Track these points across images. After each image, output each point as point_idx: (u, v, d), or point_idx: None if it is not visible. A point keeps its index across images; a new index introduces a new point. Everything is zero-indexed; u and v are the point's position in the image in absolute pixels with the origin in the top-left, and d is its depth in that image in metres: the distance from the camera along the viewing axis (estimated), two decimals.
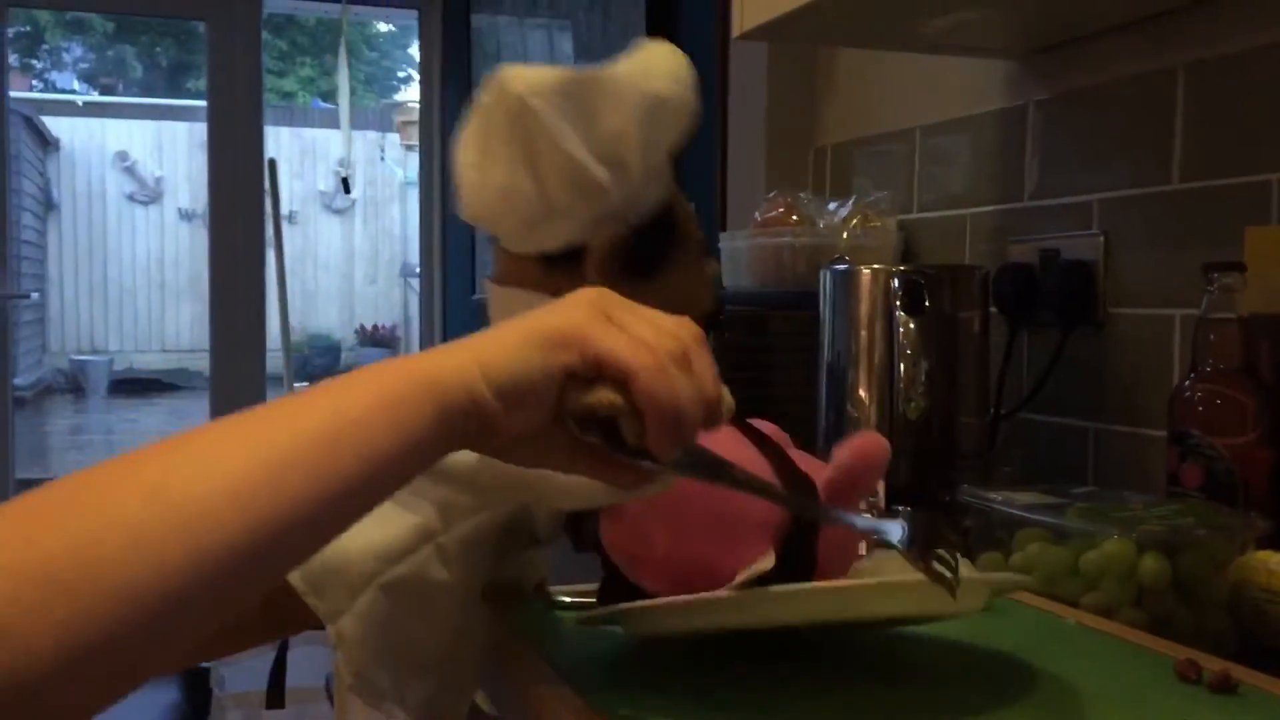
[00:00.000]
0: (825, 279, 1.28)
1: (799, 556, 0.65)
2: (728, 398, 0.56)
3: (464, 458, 0.55)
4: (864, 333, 1.24)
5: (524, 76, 0.74)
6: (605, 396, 0.52)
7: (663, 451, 0.53)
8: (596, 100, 0.75)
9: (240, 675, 2.37)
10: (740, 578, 0.62)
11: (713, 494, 0.61)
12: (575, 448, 0.55)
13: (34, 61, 11.31)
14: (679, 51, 0.80)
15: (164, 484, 0.44)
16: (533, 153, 0.74)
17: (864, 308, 1.24)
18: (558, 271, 0.76)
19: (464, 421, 0.51)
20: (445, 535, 0.69)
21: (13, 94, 3.82)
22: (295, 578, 0.70)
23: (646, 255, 0.76)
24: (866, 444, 0.69)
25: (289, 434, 0.47)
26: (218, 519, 0.44)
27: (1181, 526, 0.87)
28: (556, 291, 0.58)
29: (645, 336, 0.52)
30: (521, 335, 0.52)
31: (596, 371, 0.52)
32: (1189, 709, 0.66)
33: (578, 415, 0.53)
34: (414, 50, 4.77)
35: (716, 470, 0.58)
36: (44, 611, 0.40)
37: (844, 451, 0.69)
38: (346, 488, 0.47)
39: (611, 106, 0.75)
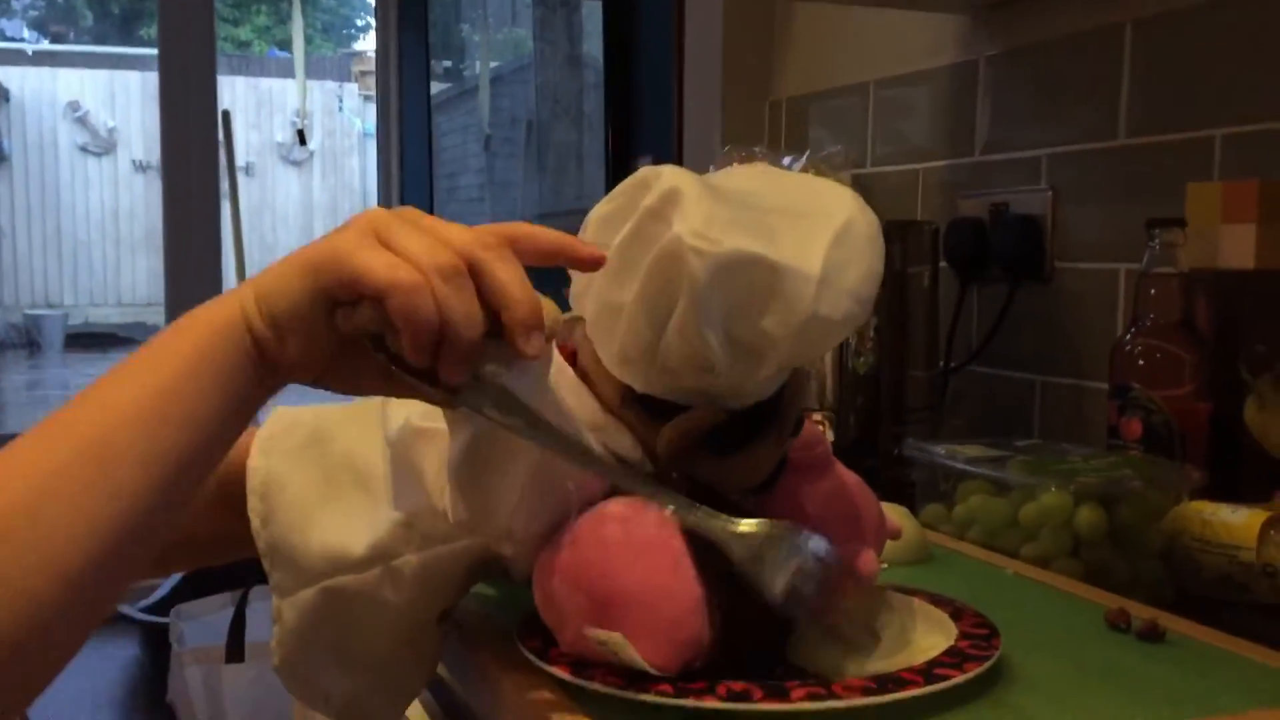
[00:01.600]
0: None
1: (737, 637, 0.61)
2: (551, 308, 0.54)
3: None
4: None
5: (699, 230, 0.57)
6: (362, 315, 0.52)
7: (446, 373, 0.53)
8: (765, 296, 0.59)
9: (200, 630, 2.36)
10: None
11: (632, 579, 0.58)
12: (389, 372, 0.55)
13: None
14: (879, 243, 0.64)
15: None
16: (667, 302, 0.59)
17: None
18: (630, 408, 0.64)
19: (251, 357, 0.53)
20: (402, 560, 0.66)
21: None
22: (258, 524, 0.69)
23: (731, 438, 0.63)
24: (858, 558, 0.65)
25: (102, 426, 0.50)
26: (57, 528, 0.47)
27: (1118, 479, 0.89)
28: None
29: (413, 252, 0.51)
30: (291, 264, 0.54)
31: (355, 293, 0.52)
32: (1116, 656, 0.68)
33: (350, 338, 0.54)
34: None
35: (529, 422, 0.55)
36: None
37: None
38: (177, 459, 0.51)
39: (778, 310, 0.59)
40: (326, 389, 0.58)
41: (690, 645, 0.58)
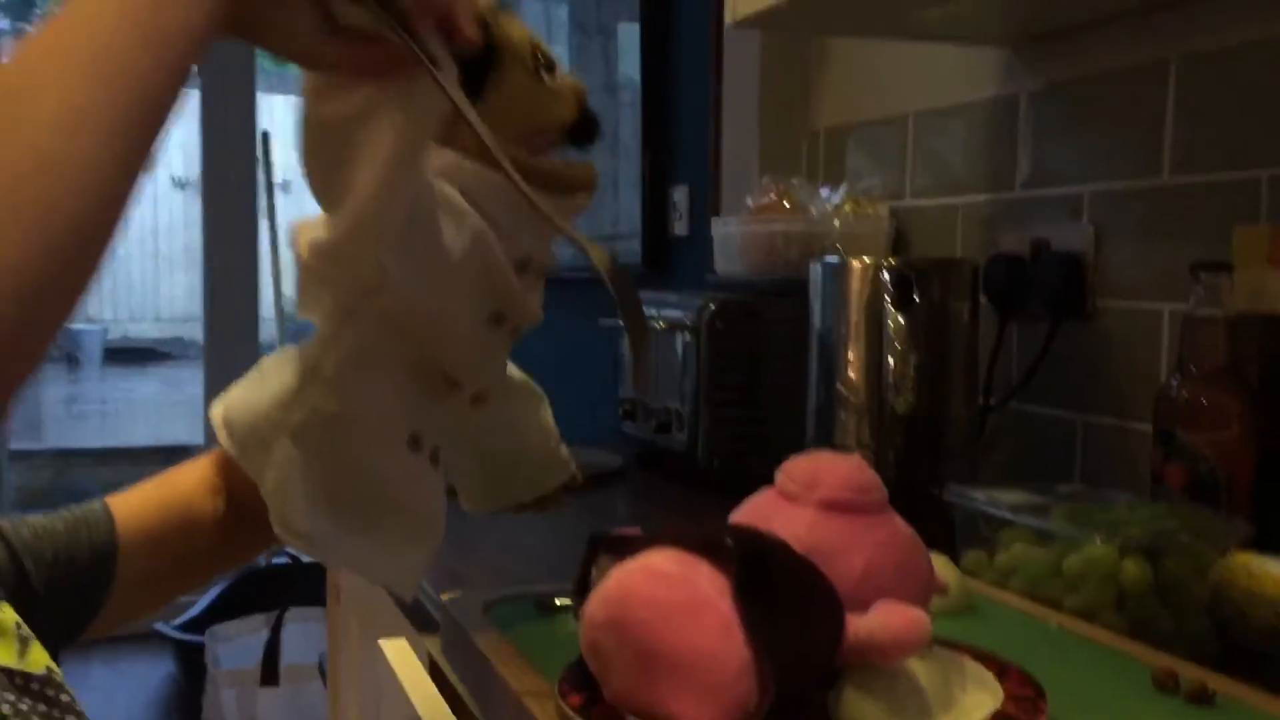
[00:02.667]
0: (815, 271, 1.28)
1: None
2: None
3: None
4: (853, 326, 1.24)
5: None
6: None
7: (463, 27, 0.57)
8: None
9: (235, 653, 2.38)
10: None
11: (681, 641, 0.58)
12: (327, 29, 0.56)
13: (27, 26, 11.20)
14: None
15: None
16: None
17: (853, 301, 1.24)
18: None
19: None
20: (326, 366, 0.65)
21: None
22: (227, 442, 0.69)
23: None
24: (903, 626, 0.62)
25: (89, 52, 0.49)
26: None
27: (1164, 531, 0.87)
28: None
29: None
30: None
31: None
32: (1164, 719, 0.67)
33: None
34: None
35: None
36: None
37: (880, 625, 0.62)
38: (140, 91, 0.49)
39: None
40: (254, 39, 0.57)
41: (737, 709, 0.58)
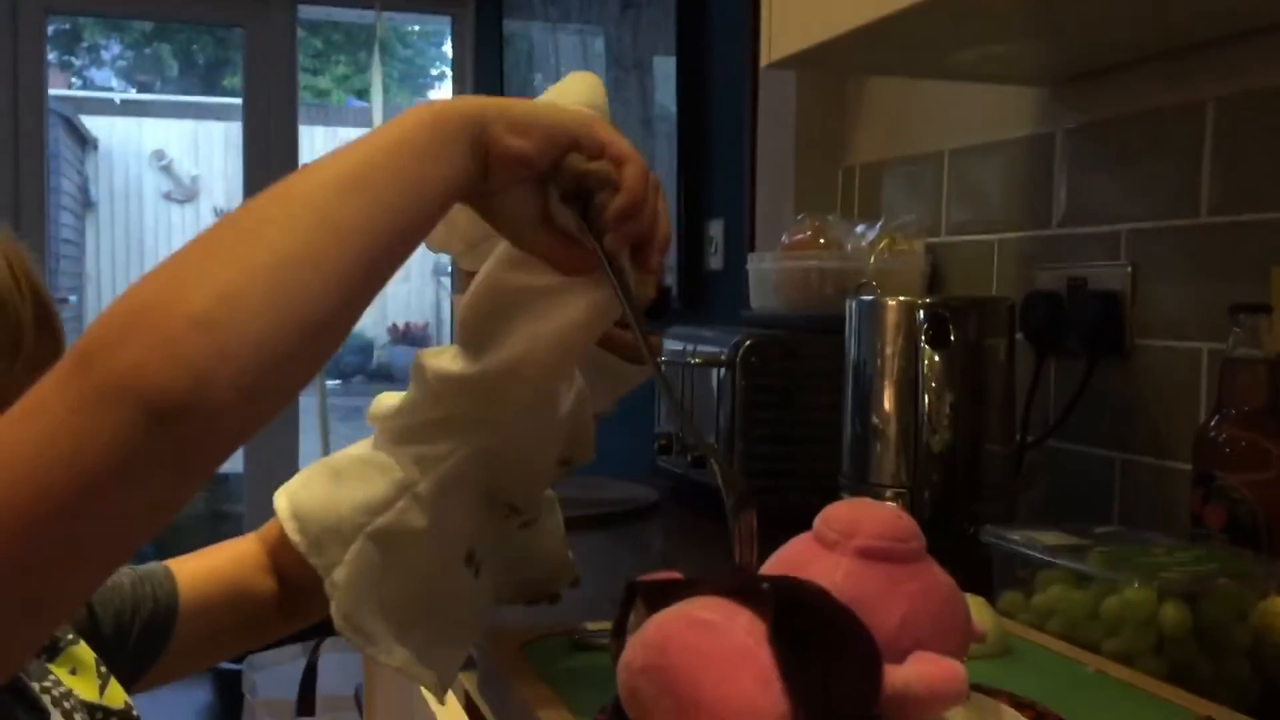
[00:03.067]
0: (851, 309, 1.28)
1: None
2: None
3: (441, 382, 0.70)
4: (889, 364, 1.24)
5: None
6: (604, 165, 0.64)
7: (618, 236, 0.64)
8: None
9: (271, 682, 2.40)
10: None
11: (719, 691, 0.58)
12: (545, 217, 0.65)
13: (72, 59, 11.41)
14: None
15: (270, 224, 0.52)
16: None
17: (889, 339, 1.24)
18: None
19: (476, 150, 0.60)
20: (421, 485, 0.72)
21: (52, 92, 3.87)
22: (298, 539, 0.73)
23: None
24: (941, 679, 0.62)
25: (351, 170, 0.56)
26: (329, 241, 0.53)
27: (1203, 574, 0.87)
28: None
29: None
30: (537, 106, 0.64)
31: (598, 150, 0.63)
32: None
33: (569, 178, 0.64)
34: (447, 48, 4.79)
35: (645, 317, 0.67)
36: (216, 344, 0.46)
37: (918, 677, 0.62)
38: (394, 213, 0.56)
39: None
40: (485, 210, 0.65)
41: None
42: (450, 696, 1.03)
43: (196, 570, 0.84)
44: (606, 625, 0.92)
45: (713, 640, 0.60)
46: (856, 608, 0.64)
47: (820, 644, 0.61)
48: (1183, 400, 1.19)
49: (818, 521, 0.71)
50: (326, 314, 0.51)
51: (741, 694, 0.58)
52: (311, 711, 2.21)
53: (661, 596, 0.64)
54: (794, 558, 0.71)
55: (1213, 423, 1.01)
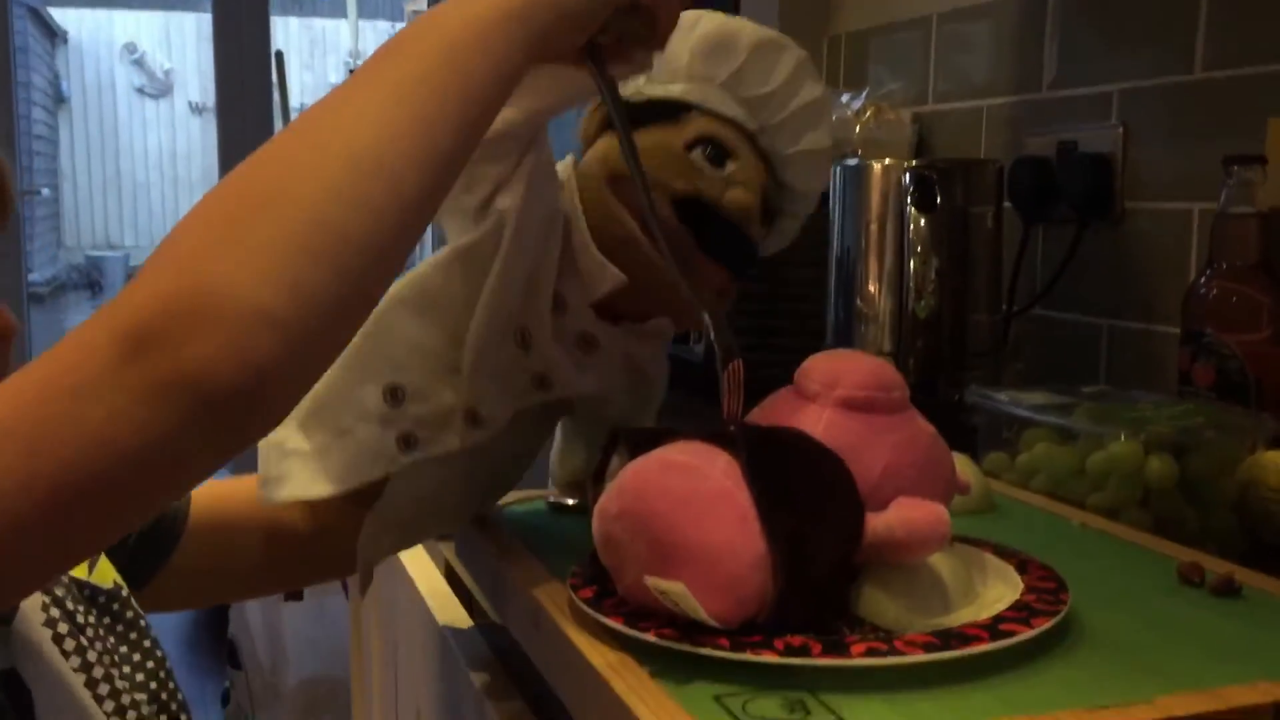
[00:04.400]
0: (836, 174, 1.25)
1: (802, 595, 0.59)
2: None
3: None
4: (874, 229, 1.22)
5: None
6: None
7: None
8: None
9: None
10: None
11: (696, 532, 0.57)
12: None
13: None
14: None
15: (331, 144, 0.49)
16: None
17: (875, 204, 1.21)
18: None
19: (531, 45, 0.56)
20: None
21: None
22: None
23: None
24: (923, 522, 0.60)
25: (412, 77, 0.52)
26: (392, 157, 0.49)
27: (1190, 427, 0.86)
28: None
29: None
30: None
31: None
32: (1189, 612, 0.65)
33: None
34: None
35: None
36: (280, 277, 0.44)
37: (899, 520, 0.60)
38: (464, 108, 0.53)
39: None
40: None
41: (751, 601, 0.57)
42: (430, 565, 1.02)
43: (218, 491, 0.79)
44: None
45: (689, 482, 0.58)
46: None
47: (800, 486, 0.59)
48: (1173, 263, 1.17)
49: (798, 374, 0.70)
50: (385, 281, 0.49)
51: (718, 534, 0.56)
52: (299, 595, 2.23)
53: (644, 443, 0.62)
54: (774, 411, 0.70)
55: (1202, 279, 0.99)
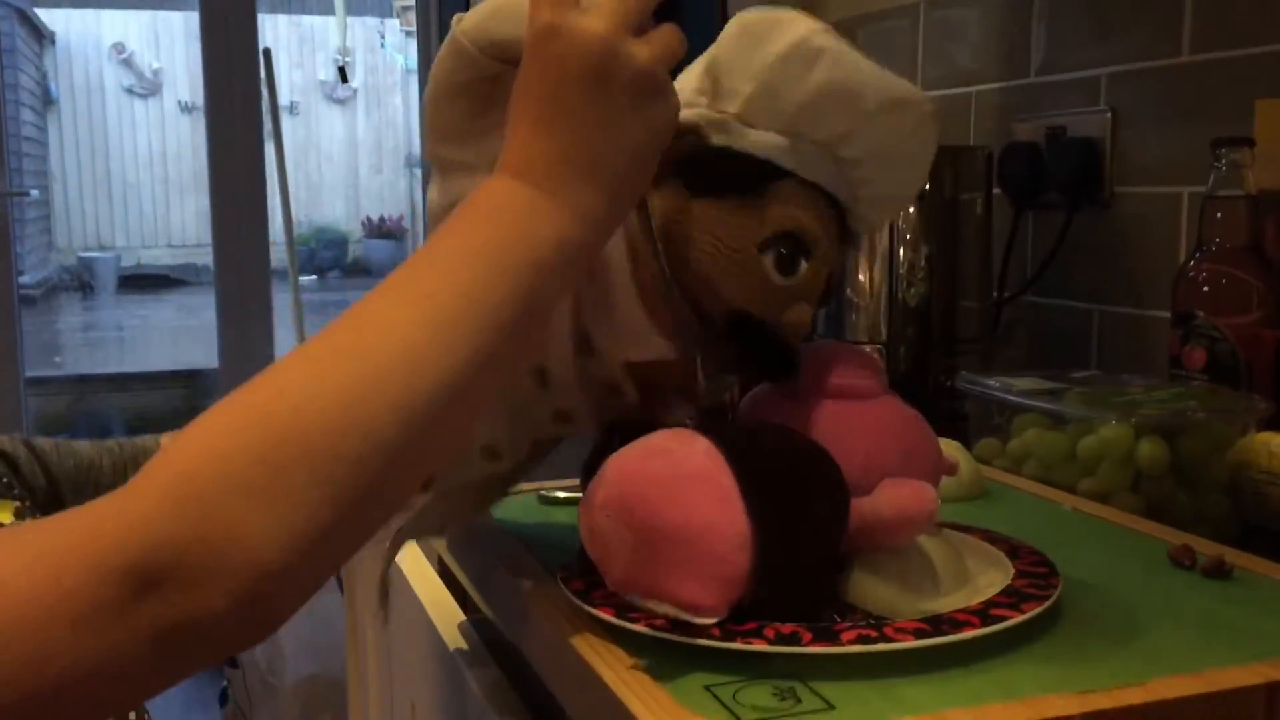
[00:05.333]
0: None
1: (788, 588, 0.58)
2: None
3: None
4: None
5: None
6: None
7: None
8: (780, 31, 0.63)
9: None
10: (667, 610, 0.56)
11: (678, 514, 0.56)
12: None
13: None
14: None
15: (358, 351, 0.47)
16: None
17: None
18: None
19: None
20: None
21: None
22: None
23: (707, 180, 0.63)
24: (910, 500, 0.60)
25: (485, 313, 0.49)
26: (408, 375, 0.46)
27: (1181, 410, 0.85)
28: None
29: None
30: (613, 187, 0.55)
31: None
32: (1181, 594, 0.65)
33: None
34: None
35: None
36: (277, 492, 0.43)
37: (886, 501, 0.60)
38: (520, 350, 0.52)
39: (782, 35, 0.63)
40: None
41: (735, 582, 0.56)
42: (424, 561, 1.01)
43: None
44: (574, 481, 0.91)
45: (669, 466, 0.58)
46: None
47: (782, 468, 0.59)
48: (1162, 247, 1.17)
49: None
50: (402, 501, 0.50)
51: (700, 515, 0.56)
52: None
53: (639, 435, 0.62)
54: (755, 407, 0.70)
55: (1192, 262, 0.98)
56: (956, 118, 1.48)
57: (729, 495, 0.56)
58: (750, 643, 0.55)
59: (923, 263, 1.19)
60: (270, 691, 2.23)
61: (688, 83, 0.65)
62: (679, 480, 0.57)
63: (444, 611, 0.90)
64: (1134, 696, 0.52)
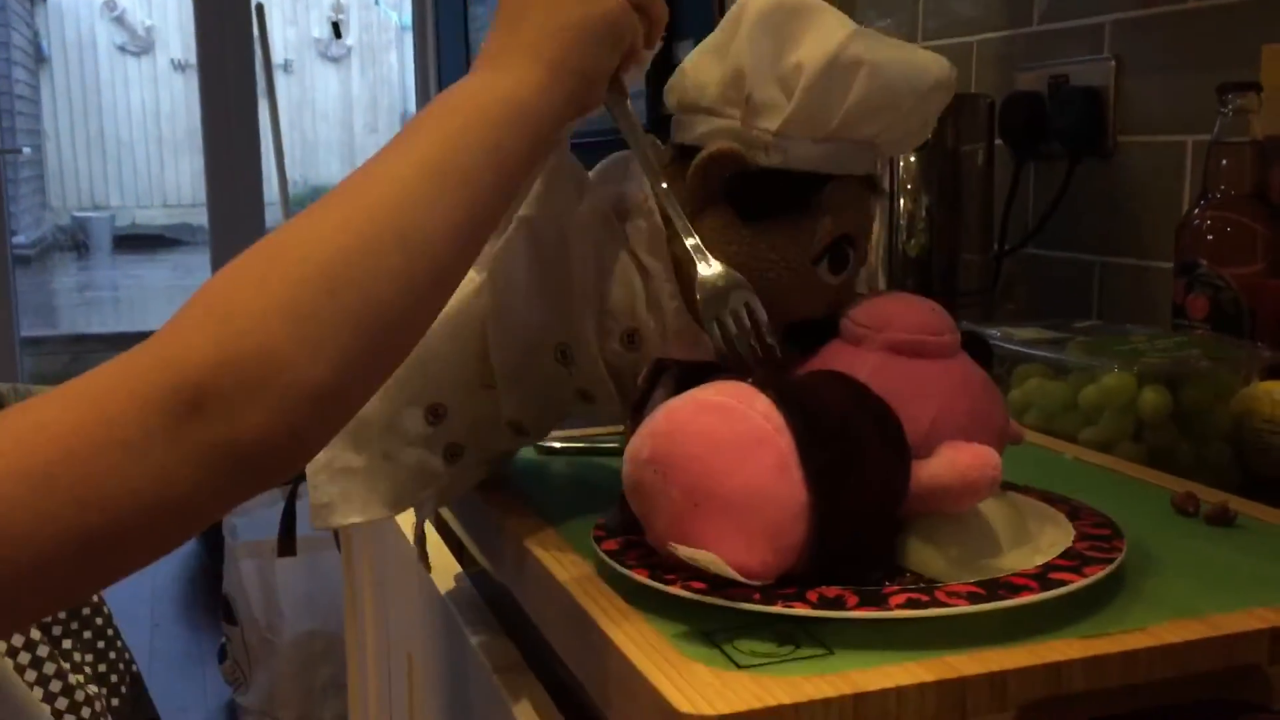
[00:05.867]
0: None
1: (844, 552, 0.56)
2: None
3: None
4: None
5: None
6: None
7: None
8: (801, 32, 0.63)
9: (252, 525, 2.40)
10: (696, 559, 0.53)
11: (733, 478, 0.53)
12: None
13: None
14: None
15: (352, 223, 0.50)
16: (724, 46, 0.65)
17: None
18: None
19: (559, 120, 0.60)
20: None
21: None
22: None
23: (755, 200, 0.64)
24: (973, 466, 0.57)
25: (452, 157, 0.54)
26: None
27: (1183, 358, 0.85)
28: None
29: None
30: (586, 40, 0.60)
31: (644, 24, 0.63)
32: (1185, 542, 0.64)
33: None
34: None
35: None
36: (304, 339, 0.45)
37: (947, 465, 0.57)
38: (499, 183, 0.55)
39: (811, 43, 0.62)
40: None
41: (791, 551, 0.53)
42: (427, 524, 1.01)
43: None
44: (571, 431, 0.90)
45: (726, 424, 0.54)
46: None
47: (843, 431, 0.56)
48: (1166, 197, 1.16)
49: (844, 319, 0.65)
50: (412, 347, 0.52)
51: (756, 481, 0.53)
52: (293, 551, 2.22)
53: (691, 378, 0.59)
54: (821, 358, 0.65)
55: (1197, 210, 0.97)
56: (958, 67, 1.44)
57: (787, 461, 0.53)
58: (792, 606, 0.52)
59: (923, 214, 1.18)
60: (268, 648, 2.23)
61: (709, 78, 0.65)
62: (736, 442, 0.54)
63: (439, 563, 0.89)
64: (1139, 641, 0.51)
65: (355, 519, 0.70)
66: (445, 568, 0.89)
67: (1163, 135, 1.17)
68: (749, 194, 0.63)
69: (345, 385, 0.46)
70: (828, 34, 0.61)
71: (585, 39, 0.60)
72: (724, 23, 0.65)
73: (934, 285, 1.20)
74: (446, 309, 0.65)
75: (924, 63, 0.65)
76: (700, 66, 0.65)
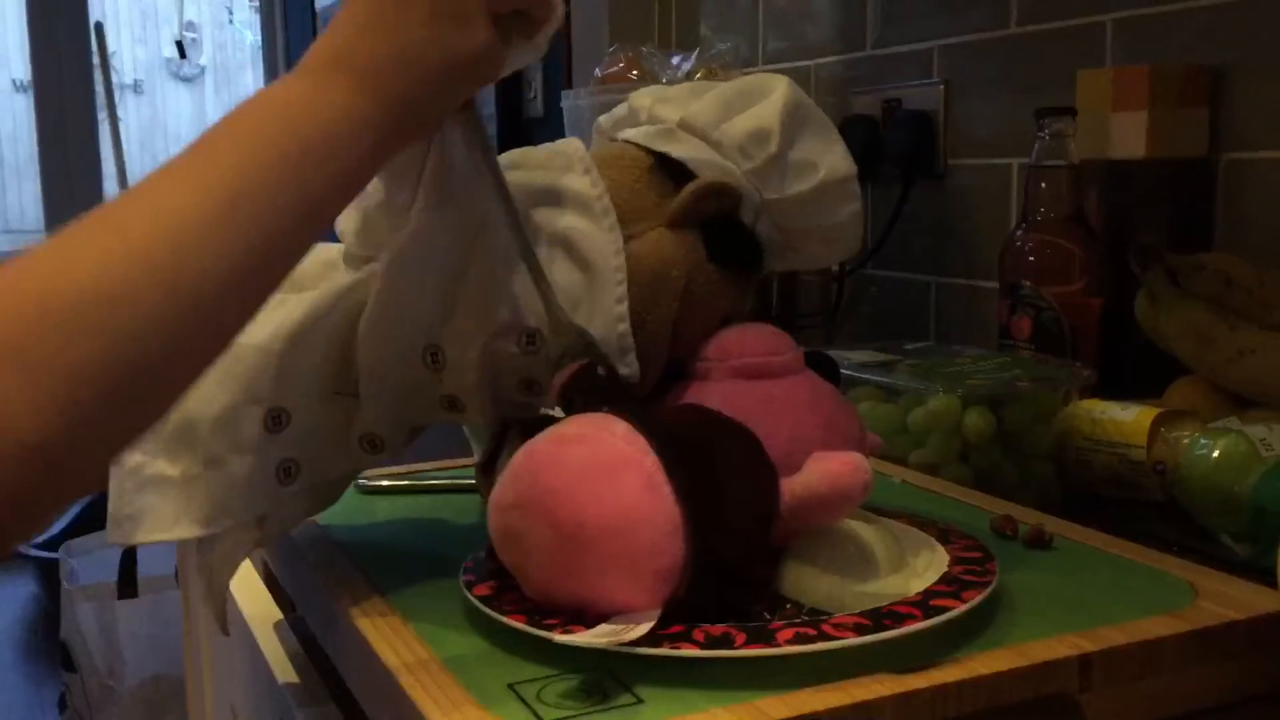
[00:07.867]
0: None
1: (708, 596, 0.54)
2: None
3: None
4: None
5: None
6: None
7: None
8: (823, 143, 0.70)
9: (93, 567, 2.28)
10: (603, 634, 0.50)
11: (601, 505, 0.52)
12: None
13: None
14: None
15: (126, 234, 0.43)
16: (749, 100, 0.69)
17: None
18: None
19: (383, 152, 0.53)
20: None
21: None
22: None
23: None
24: (843, 471, 0.57)
25: (249, 189, 0.46)
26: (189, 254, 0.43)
27: (1005, 380, 0.86)
28: None
29: None
30: (429, 75, 0.54)
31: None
32: (1002, 565, 0.64)
33: None
34: None
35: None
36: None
37: (818, 474, 0.57)
38: (301, 226, 0.48)
39: (832, 155, 0.69)
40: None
41: (670, 574, 0.52)
42: (249, 563, 0.96)
43: None
44: (396, 469, 0.87)
45: (588, 453, 0.53)
46: None
47: (707, 447, 0.55)
48: (994, 219, 1.18)
49: (689, 359, 0.66)
50: (175, 400, 0.45)
51: (626, 503, 0.51)
52: (134, 593, 2.12)
53: (537, 429, 0.57)
54: (670, 395, 0.66)
55: (1018, 232, 0.99)
56: None
57: (655, 479, 0.52)
58: (679, 647, 0.50)
59: None
60: (110, 695, 2.13)
61: (737, 126, 0.67)
62: (600, 469, 0.52)
63: (260, 610, 0.85)
64: (947, 675, 0.51)
65: (161, 536, 0.63)
66: (266, 613, 0.85)
67: (989, 158, 1.19)
68: (727, 244, 0.66)
69: (79, 445, 0.40)
70: (841, 156, 0.69)
71: (435, 82, 0.54)
72: (746, 84, 0.69)
73: (774, 307, 1.20)
74: (305, 309, 0.63)
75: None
76: (722, 106, 0.68)
